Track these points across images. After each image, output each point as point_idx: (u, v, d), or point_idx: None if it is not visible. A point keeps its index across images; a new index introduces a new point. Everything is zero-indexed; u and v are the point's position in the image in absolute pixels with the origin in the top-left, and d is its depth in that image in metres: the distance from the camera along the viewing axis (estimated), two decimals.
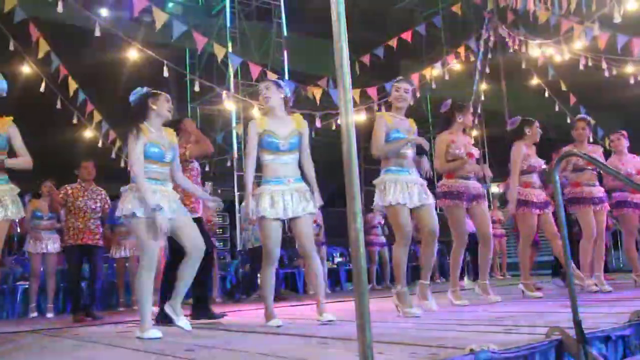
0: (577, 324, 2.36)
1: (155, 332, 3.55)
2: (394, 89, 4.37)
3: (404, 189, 4.15)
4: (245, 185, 4.03)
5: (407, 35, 11.14)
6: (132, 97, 3.86)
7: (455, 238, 4.90)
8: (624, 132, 5.94)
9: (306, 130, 4.10)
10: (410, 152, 4.29)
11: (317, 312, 3.96)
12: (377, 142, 4.23)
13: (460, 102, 5.19)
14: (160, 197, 3.64)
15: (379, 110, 11.47)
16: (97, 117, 9.61)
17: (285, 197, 3.91)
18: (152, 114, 3.79)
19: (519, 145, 5.29)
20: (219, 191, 8.65)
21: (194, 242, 3.77)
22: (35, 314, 6.85)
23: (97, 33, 7.74)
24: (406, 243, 4.17)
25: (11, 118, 4.05)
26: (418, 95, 12.23)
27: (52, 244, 6.92)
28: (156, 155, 3.71)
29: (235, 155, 11.67)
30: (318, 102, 10.00)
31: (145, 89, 3.86)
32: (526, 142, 5.34)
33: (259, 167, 4.08)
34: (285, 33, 13.09)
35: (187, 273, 3.77)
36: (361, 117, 10.28)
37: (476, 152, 4.99)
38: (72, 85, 8.96)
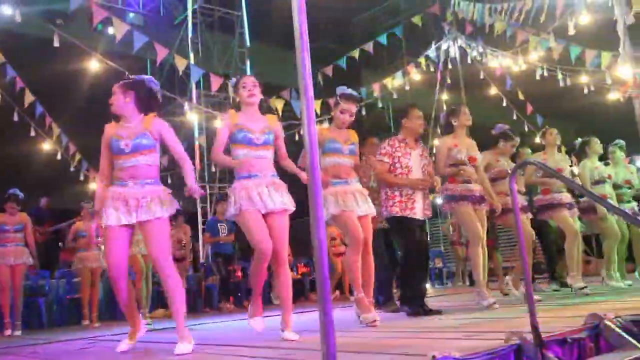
0: (535, 328, 2.43)
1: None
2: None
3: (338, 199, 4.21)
4: None
5: (368, 46, 11.27)
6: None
7: (470, 238, 4.86)
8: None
9: None
10: (343, 160, 4.38)
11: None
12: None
13: (453, 107, 5.27)
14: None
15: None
16: (56, 130, 9.40)
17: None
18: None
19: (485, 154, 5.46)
20: (180, 202, 8.53)
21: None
22: (9, 332, 6.49)
23: (56, 43, 7.61)
24: (359, 249, 4.19)
25: None
26: (380, 105, 12.39)
27: (18, 257, 6.70)
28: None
29: (198, 166, 11.56)
30: (280, 112, 10.02)
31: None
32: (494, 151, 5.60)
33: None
34: (247, 44, 13.09)
35: None
36: (324, 127, 10.32)
37: (479, 155, 5.03)
38: (29, 97, 8.76)
